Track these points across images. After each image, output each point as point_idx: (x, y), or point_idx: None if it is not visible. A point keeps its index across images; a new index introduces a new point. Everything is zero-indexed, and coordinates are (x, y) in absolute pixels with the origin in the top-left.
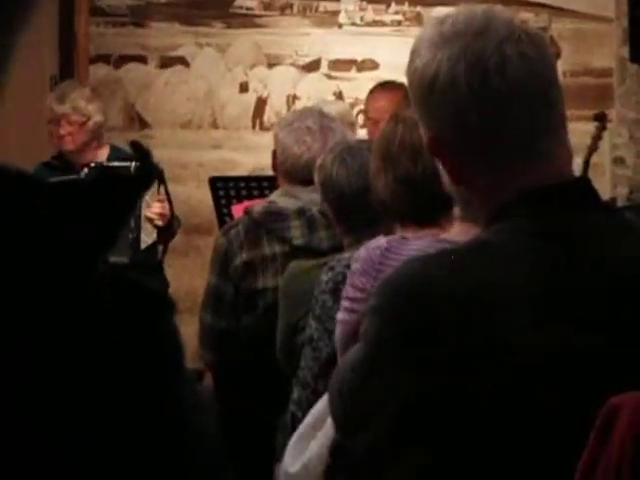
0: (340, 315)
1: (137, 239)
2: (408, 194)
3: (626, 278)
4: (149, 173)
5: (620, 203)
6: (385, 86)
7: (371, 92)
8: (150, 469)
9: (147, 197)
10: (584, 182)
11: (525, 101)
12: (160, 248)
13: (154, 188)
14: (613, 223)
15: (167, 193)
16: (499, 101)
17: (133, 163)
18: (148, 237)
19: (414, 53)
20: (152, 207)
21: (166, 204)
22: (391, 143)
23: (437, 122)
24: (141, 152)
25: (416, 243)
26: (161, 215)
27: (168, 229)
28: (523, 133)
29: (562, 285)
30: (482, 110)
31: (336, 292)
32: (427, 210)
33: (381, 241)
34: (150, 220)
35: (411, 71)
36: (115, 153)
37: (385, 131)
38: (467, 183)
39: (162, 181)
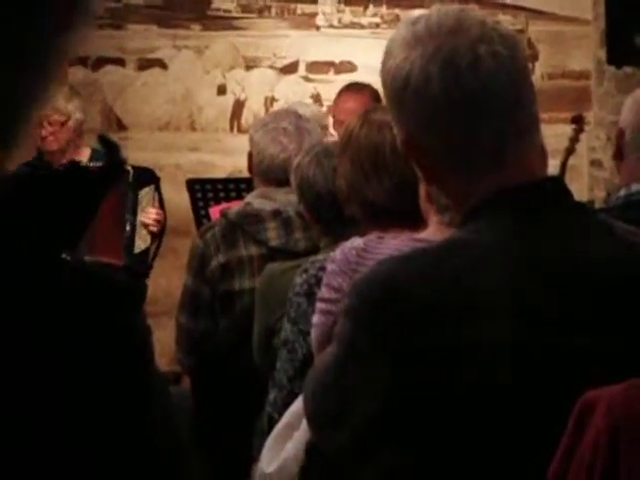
0: (315, 318)
1: (132, 243)
2: (407, 197)
3: (597, 277)
4: (115, 168)
5: (598, 205)
6: (352, 88)
7: (339, 94)
8: (116, 455)
9: (144, 203)
10: (556, 181)
11: (497, 101)
12: (152, 253)
13: (150, 195)
14: (585, 222)
15: (161, 200)
16: (471, 100)
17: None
18: (142, 242)
19: (387, 53)
20: (148, 213)
21: (161, 211)
22: (380, 149)
23: (410, 122)
24: (109, 146)
25: (392, 242)
26: (157, 222)
27: (160, 235)
28: (495, 133)
29: (532, 283)
30: (454, 109)
31: (310, 294)
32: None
33: (357, 241)
34: (146, 226)
35: (385, 71)
36: (97, 156)
37: (367, 136)
38: (440, 183)
39: (158, 189)
